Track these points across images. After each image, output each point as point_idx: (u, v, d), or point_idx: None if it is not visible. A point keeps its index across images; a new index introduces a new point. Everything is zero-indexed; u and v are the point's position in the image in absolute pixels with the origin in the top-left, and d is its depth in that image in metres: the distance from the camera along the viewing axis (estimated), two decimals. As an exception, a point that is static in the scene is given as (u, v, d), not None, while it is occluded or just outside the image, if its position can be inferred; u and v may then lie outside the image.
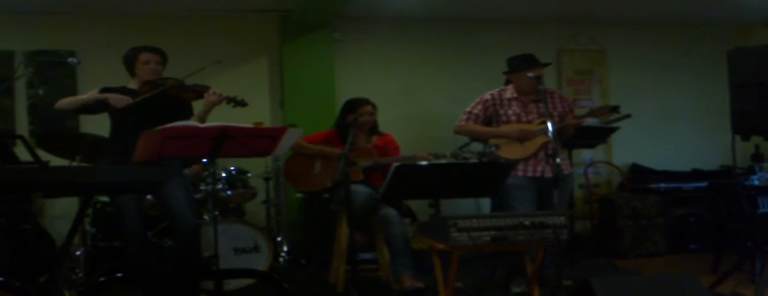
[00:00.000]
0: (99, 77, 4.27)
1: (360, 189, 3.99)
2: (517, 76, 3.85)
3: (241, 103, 3.55)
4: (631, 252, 5.21)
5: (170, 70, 3.71)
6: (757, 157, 4.87)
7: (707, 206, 5.38)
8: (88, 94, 3.67)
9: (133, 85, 3.68)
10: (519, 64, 3.80)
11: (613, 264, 4.81)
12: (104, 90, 3.66)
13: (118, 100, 3.42)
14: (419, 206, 4.98)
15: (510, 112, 3.90)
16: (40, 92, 5.18)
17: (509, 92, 3.94)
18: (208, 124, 3.19)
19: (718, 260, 4.45)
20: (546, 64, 3.85)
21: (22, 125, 5.15)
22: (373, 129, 4.26)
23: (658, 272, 4.60)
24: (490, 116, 3.96)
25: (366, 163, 4.12)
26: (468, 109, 3.99)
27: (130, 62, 3.67)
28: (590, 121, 4.02)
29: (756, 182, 4.66)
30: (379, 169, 4.14)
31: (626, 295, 2.76)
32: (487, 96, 3.97)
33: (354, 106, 4.16)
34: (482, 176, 3.33)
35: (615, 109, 3.84)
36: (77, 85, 5.18)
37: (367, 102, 4.19)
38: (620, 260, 5.02)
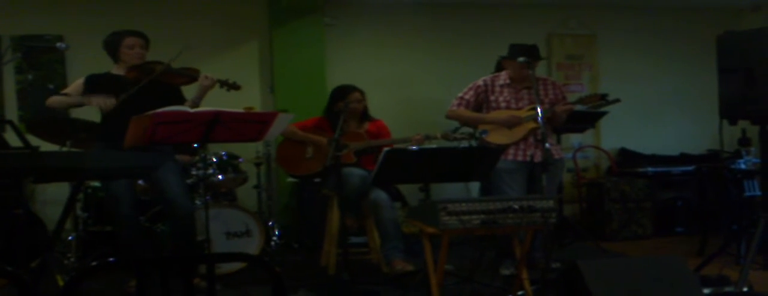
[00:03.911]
0: (88, 62, 4.24)
1: (355, 172, 4.02)
2: (511, 63, 3.87)
3: (234, 86, 3.55)
4: (619, 235, 5.28)
5: (160, 56, 3.69)
6: (743, 141, 4.93)
7: (694, 190, 5.44)
8: (75, 85, 3.65)
9: (118, 70, 3.66)
10: (515, 52, 3.82)
11: (601, 246, 4.87)
12: (90, 78, 3.64)
13: (101, 102, 3.43)
14: (409, 190, 5.01)
15: (500, 99, 3.93)
16: (30, 77, 5.14)
17: (502, 78, 3.97)
18: (200, 108, 3.19)
19: (705, 243, 4.51)
20: (539, 59, 3.86)
21: (11, 110, 5.12)
22: (364, 115, 4.28)
23: (645, 254, 4.66)
24: (482, 102, 3.98)
25: (358, 146, 4.15)
26: (460, 95, 4.01)
27: (113, 47, 3.64)
28: (579, 106, 4.05)
29: (742, 166, 4.72)
30: (371, 152, 4.16)
31: (613, 277, 2.80)
32: (480, 82, 3.99)
33: (343, 93, 4.17)
34: (472, 161, 3.36)
35: (603, 97, 3.87)
36: (66, 69, 5.15)
37: (355, 89, 4.21)
38: (608, 243, 5.09)
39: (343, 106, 3.90)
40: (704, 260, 3.76)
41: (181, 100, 3.64)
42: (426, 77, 5.73)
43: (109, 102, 3.42)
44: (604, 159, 6.07)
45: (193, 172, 4.14)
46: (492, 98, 3.94)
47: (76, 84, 3.66)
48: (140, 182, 4.00)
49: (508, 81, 3.94)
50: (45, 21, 5.14)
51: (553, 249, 4.41)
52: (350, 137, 4.17)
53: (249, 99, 5.09)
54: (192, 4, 5.40)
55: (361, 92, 4.22)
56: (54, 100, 3.60)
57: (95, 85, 3.61)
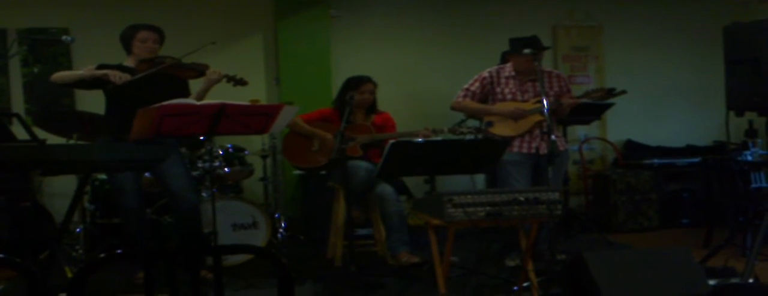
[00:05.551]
0: (93, 55, 4.26)
1: (361, 165, 4.02)
2: (516, 57, 3.87)
3: (241, 82, 3.56)
4: (625, 226, 5.27)
5: (166, 48, 3.70)
6: (750, 133, 4.90)
7: (700, 181, 5.43)
8: (86, 69, 3.66)
9: (129, 62, 3.67)
10: (518, 46, 3.81)
11: (607, 238, 4.87)
12: (101, 67, 3.65)
13: (117, 76, 3.37)
14: (415, 183, 5.01)
15: (506, 90, 3.93)
16: (35, 70, 5.16)
17: (507, 70, 3.96)
18: (205, 101, 3.20)
19: (710, 234, 4.50)
20: (544, 48, 3.85)
21: (18, 103, 5.14)
22: (372, 107, 4.28)
23: (651, 246, 4.66)
24: (487, 94, 3.98)
25: (364, 139, 4.15)
26: (466, 86, 4.01)
27: (127, 40, 3.65)
28: (585, 99, 4.04)
29: (749, 158, 4.70)
30: (377, 145, 4.16)
31: (619, 269, 2.81)
32: (485, 73, 3.99)
33: (356, 83, 4.17)
34: (478, 153, 3.36)
35: (610, 91, 3.86)
36: (72, 63, 5.16)
37: (369, 80, 4.20)
38: (614, 235, 5.09)
39: (349, 97, 3.90)
40: (710, 252, 3.76)
41: (186, 94, 3.65)
42: (431, 69, 5.72)
43: (124, 76, 3.37)
44: (610, 151, 6.06)
45: (200, 165, 4.16)
46: (498, 90, 3.94)
47: (86, 68, 3.65)
48: (147, 175, 4.01)
49: (513, 73, 3.94)
50: (50, 14, 5.15)
51: (559, 240, 4.41)
52: (357, 129, 4.17)
53: (254, 91, 5.09)
54: (197, -4, 5.40)
55: (374, 84, 4.22)
56: (60, 75, 3.53)
57: None
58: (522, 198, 2.94)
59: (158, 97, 3.15)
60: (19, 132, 3.91)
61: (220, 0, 5.44)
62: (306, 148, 4.23)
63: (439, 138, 3.93)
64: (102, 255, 1.80)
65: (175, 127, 3.04)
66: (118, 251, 2.07)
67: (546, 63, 4.65)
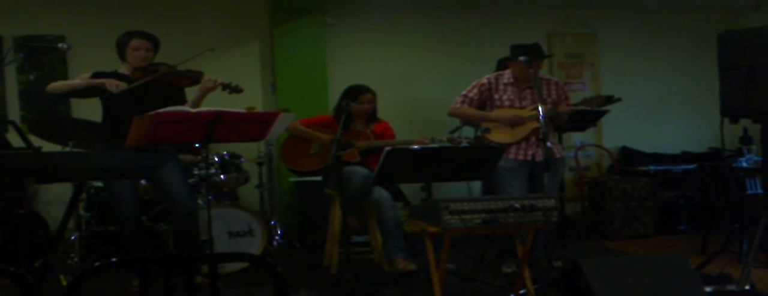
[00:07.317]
0: (89, 62, 4.26)
1: (358, 170, 4.02)
2: (515, 64, 3.88)
3: (236, 90, 3.55)
4: (621, 233, 5.28)
5: (162, 55, 3.70)
6: (745, 140, 4.94)
7: (696, 188, 5.44)
8: (80, 77, 3.65)
9: (124, 70, 3.67)
10: (517, 53, 3.82)
11: (603, 245, 4.87)
12: (96, 74, 3.65)
13: (114, 85, 3.38)
14: (411, 189, 5.01)
15: (504, 97, 3.94)
16: (31, 78, 5.16)
17: (506, 77, 3.98)
18: (201, 108, 3.20)
19: (707, 241, 4.51)
20: (543, 56, 3.86)
21: (14, 111, 5.12)
22: (372, 116, 4.29)
23: (647, 253, 4.66)
24: (485, 100, 3.99)
25: (363, 145, 4.16)
26: (464, 93, 4.02)
27: (121, 47, 3.65)
28: (583, 107, 4.05)
29: (744, 164, 4.73)
30: (375, 152, 4.17)
31: (615, 276, 2.81)
32: (484, 80, 4.00)
33: (354, 93, 4.18)
34: (474, 159, 3.36)
35: (610, 98, 3.87)
36: (68, 70, 5.16)
37: (367, 90, 4.21)
38: (610, 241, 5.09)
39: (345, 105, 3.91)
40: (706, 258, 3.76)
41: (182, 101, 3.65)
42: (427, 77, 5.74)
43: (121, 84, 3.38)
44: (605, 158, 6.07)
45: (196, 172, 4.15)
46: (496, 96, 3.95)
47: (81, 77, 3.66)
48: (143, 182, 4.00)
49: (512, 79, 3.95)
50: (46, 21, 5.15)
51: (555, 247, 4.41)
52: (356, 136, 4.18)
53: (250, 98, 5.08)
54: (193, 3, 5.40)
55: (373, 93, 4.24)
56: (55, 85, 3.52)
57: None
58: (518, 206, 2.94)
59: (154, 104, 3.15)
60: (14, 139, 3.90)
61: (216, 7, 5.45)
62: (304, 152, 4.24)
63: (435, 145, 3.93)
64: (97, 263, 1.79)
65: (170, 134, 3.04)
66: (114, 259, 2.06)
67: (542, 70, 4.67)
